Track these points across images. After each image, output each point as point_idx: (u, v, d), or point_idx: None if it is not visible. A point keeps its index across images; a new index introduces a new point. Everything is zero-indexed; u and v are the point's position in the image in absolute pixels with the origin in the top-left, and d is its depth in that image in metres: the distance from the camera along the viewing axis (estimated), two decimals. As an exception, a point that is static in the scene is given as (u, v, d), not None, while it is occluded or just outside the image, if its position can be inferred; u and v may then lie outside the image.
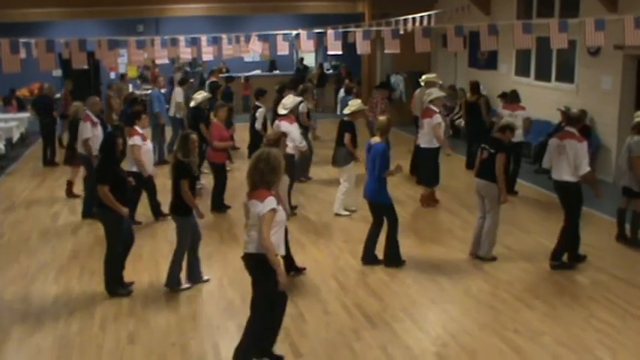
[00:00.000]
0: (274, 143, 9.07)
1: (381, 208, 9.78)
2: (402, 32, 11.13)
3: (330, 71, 27.18)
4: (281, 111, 12.46)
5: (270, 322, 6.98)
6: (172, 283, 9.15)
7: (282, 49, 10.81)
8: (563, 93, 16.03)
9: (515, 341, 7.56)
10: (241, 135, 18.11)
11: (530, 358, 7.21)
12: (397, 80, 22.11)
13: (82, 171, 13.18)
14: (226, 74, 25.21)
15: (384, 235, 9.86)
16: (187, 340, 7.78)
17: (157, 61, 10.90)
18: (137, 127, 11.65)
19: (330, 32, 10.54)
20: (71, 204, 13.55)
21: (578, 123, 9.79)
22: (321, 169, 15.41)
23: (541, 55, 17.01)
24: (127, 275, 9.27)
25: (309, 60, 28.54)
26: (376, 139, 9.88)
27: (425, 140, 12.81)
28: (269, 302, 6.84)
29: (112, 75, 25.00)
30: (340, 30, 10.97)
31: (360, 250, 10.05)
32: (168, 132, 17.27)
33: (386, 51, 10.55)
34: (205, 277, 9.44)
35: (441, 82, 16.31)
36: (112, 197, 8.70)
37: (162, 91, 17.79)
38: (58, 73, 24.76)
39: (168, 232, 11.45)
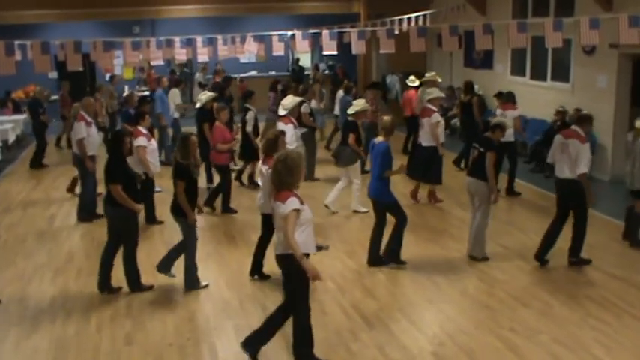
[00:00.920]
0: (273, 142, 9.08)
1: (385, 207, 9.78)
2: (397, 32, 11.16)
3: (327, 71, 27.17)
4: (280, 111, 12.46)
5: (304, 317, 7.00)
6: (190, 284, 9.18)
7: (278, 49, 10.82)
8: (558, 92, 16.05)
9: (511, 340, 7.57)
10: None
11: (526, 356, 7.22)
12: (393, 80, 22.13)
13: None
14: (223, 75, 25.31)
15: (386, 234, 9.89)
16: (184, 340, 7.77)
17: (153, 63, 10.92)
18: (141, 128, 11.67)
19: (325, 32, 10.54)
20: (68, 206, 13.54)
21: (585, 123, 9.78)
22: (317, 169, 15.40)
23: (536, 55, 17.03)
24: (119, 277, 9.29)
25: (305, 61, 28.53)
26: (380, 139, 9.87)
27: (426, 139, 12.91)
28: (303, 296, 6.90)
29: (107, 76, 24.99)
30: (335, 30, 10.97)
31: (356, 250, 10.06)
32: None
33: (381, 51, 10.56)
34: (204, 283, 9.35)
35: (440, 79, 16.40)
36: (125, 195, 8.78)
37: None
38: (53, 75, 24.78)
39: (164, 233, 11.48)
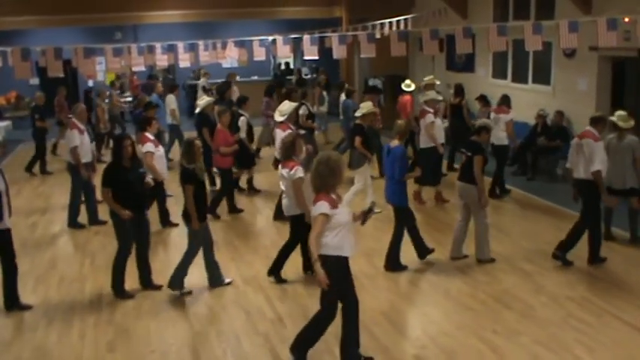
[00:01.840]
0: (291, 145, 9.22)
1: (400, 211, 9.85)
2: (378, 36, 11.20)
3: (309, 76, 27.20)
4: (278, 118, 12.41)
5: (347, 325, 7.07)
6: (173, 284, 9.21)
7: (259, 54, 10.84)
8: (539, 95, 16.14)
9: (493, 341, 7.61)
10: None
11: (508, 358, 7.26)
12: (375, 84, 22.16)
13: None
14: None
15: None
16: (167, 347, 7.76)
17: (134, 69, 10.89)
18: (147, 134, 11.66)
19: (306, 37, 10.57)
20: (49, 214, 13.49)
21: (599, 124, 9.89)
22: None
23: (518, 58, 17.12)
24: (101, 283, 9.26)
25: (289, 65, 28.57)
26: (395, 143, 9.90)
27: (423, 141, 13.15)
28: (333, 304, 6.96)
29: (90, 83, 24.87)
30: (316, 35, 11.00)
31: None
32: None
33: (362, 55, 10.60)
34: (227, 280, 9.51)
35: (438, 82, 16.49)
36: (112, 200, 8.83)
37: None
38: (35, 81, 24.66)
39: (167, 239, 11.44)
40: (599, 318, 8.15)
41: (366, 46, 10.48)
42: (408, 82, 16.98)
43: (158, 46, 10.76)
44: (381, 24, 15.62)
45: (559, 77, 15.64)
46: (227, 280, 9.52)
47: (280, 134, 11.91)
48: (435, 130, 12.95)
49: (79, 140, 12.07)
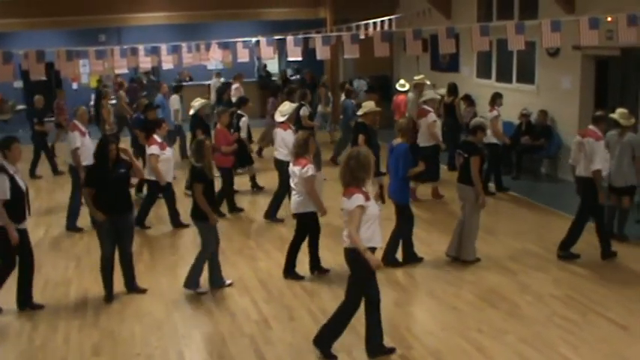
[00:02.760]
0: (304, 143, 9.39)
1: (402, 209, 9.89)
2: (362, 37, 11.19)
3: (294, 77, 27.19)
4: (278, 118, 12.46)
5: (372, 317, 7.28)
6: (190, 284, 9.28)
7: (243, 56, 10.81)
8: (524, 94, 16.18)
9: (478, 341, 7.63)
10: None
11: (493, 357, 7.29)
12: (360, 85, 22.20)
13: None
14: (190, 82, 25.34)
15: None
16: (152, 350, 7.74)
17: (117, 71, 10.82)
18: (156, 136, 11.81)
19: (290, 38, 10.55)
20: (32, 219, 13.37)
21: (600, 122, 10.01)
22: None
23: (502, 57, 17.15)
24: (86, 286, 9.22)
25: (273, 67, 28.54)
26: (398, 140, 9.97)
27: (424, 139, 13.44)
28: (362, 291, 7.15)
29: (75, 85, 24.80)
30: (300, 36, 10.99)
31: (325, 257, 10.01)
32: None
33: (345, 56, 10.59)
34: (228, 282, 9.54)
35: (428, 82, 16.59)
36: (90, 201, 8.88)
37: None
38: (18, 84, 24.55)
39: (152, 241, 11.43)
40: (583, 316, 8.20)
41: (350, 47, 10.47)
42: (402, 81, 17.11)
43: (141, 48, 10.70)
44: (365, 25, 15.63)
45: (543, 76, 15.68)
46: (228, 282, 9.53)
47: (281, 134, 12.22)
48: (436, 128, 13.39)
49: (80, 142, 12.04)
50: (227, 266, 10.13)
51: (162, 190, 12.01)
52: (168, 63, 10.77)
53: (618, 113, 10.52)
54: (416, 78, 16.54)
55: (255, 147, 16.60)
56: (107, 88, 21.35)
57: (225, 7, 22.63)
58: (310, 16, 23.41)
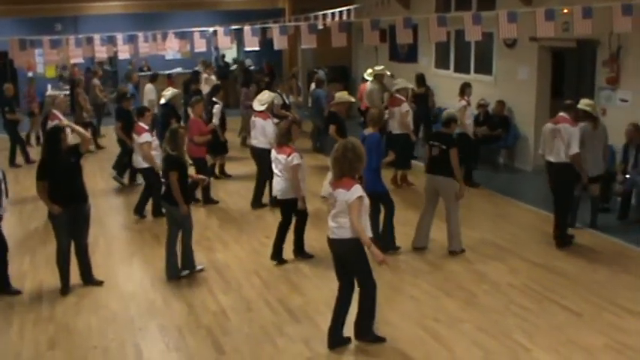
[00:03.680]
0: (287, 132, 9.63)
1: (378, 197, 9.83)
2: (320, 27, 11.18)
3: (252, 67, 27.08)
4: (257, 107, 12.52)
5: (365, 302, 7.32)
6: (186, 266, 9.49)
7: (200, 46, 10.73)
8: (482, 84, 16.28)
9: (435, 329, 7.68)
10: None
11: (450, 345, 7.33)
12: (319, 75, 22.17)
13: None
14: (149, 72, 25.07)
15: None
16: (109, 342, 7.66)
17: (72, 61, 10.69)
18: (142, 124, 11.77)
19: (247, 28, 10.50)
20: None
21: (571, 109, 10.19)
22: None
23: (460, 48, 17.27)
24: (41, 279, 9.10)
25: (231, 57, 28.43)
26: (369, 130, 10.01)
27: (396, 127, 13.54)
28: (369, 273, 7.23)
29: (30, 74, 24.41)
30: (257, 26, 10.94)
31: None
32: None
33: (303, 46, 10.60)
34: (199, 267, 9.63)
35: (389, 72, 16.68)
36: (44, 194, 8.74)
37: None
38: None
39: (108, 232, 11.32)
40: (539, 304, 8.29)
41: (307, 37, 10.46)
42: (370, 71, 17.16)
43: (97, 37, 10.57)
44: (324, 15, 15.61)
45: (500, 67, 15.82)
46: (199, 267, 9.61)
47: (260, 122, 12.31)
48: (409, 118, 13.52)
49: None
50: (185, 257, 10.08)
51: (158, 176, 11.76)
52: (124, 52, 10.66)
53: (586, 104, 10.63)
54: (376, 68, 16.64)
55: (230, 136, 16.52)
56: (81, 76, 21.16)
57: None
58: (269, 5, 23.40)
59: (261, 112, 12.43)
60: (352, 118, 19.14)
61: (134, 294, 8.98)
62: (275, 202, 10.85)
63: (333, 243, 7.17)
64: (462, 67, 17.43)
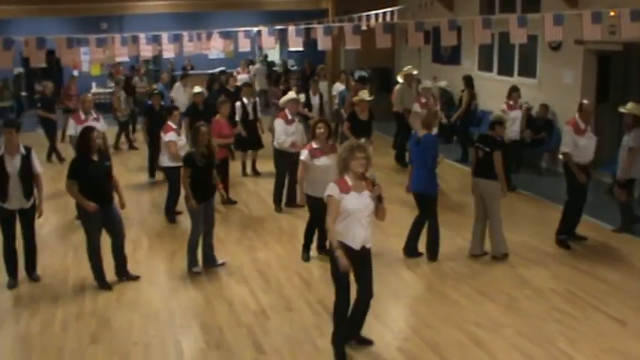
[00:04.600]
0: (310, 130, 10.00)
1: (430, 200, 9.83)
2: (364, 28, 11.15)
3: (295, 67, 27.18)
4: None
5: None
6: (190, 265, 9.65)
7: (244, 45, 10.77)
8: (525, 87, 16.09)
9: (476, 334, 7.62)
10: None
11: (491, 350, 7.27)
12: (363, 75, 22.16)
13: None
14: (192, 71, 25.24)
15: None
16: (150, 339, 7.73)
17: (118, 59, 10.79)
18: (170, 123, 11.84)
19: (291, 28, 10.52)
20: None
21: (578, 110, 10.39)
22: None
23: (503, 50, 17.13)
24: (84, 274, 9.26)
25: (274, 56, 28.51)
26: (423, 131, 9.94)
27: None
28: (338, 288, 7.04)
29: (75, 72, 24.74)
30: (301, 26, 10.95)
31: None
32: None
33: (347, 47, 10.54)
34: (220, 261, 9.80)
35: (415, 72, 16.63)
36: (77, 192, 8.83)
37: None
38: (19, 70, 24.52)
39: (130, 230, 11.42)
40: (582, 311, 8.18)
41: (352, 38, 10.42)
42: (404, 70, 17.11)
43: (142, 36, 10.66)
44: (367, 16, 15.59)
45: (545, 70, 15.65)
46: (220, 262, 9.79)
47: (278, 122, 12.26)
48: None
49: (74, 129, 12.06)
50: (226, 256, 10.14)
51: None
52: (169, 51, 10.73)
53: (634, 107, 10.52)
54: (405, 69, 16.59)
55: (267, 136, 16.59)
56: (122, 75, 21.39)
57: (227, -3, 22.66)
58: (312, 6, 23.42)
59: (281, 110, 12.48)
60: (386, 120, 18.92)
61: (176, 291, 9.05)
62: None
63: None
64: (505, 69, 17.28)
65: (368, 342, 7.39)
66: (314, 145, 9.65)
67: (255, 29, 11.04)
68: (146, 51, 10.72)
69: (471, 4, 18.18)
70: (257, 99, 15.26)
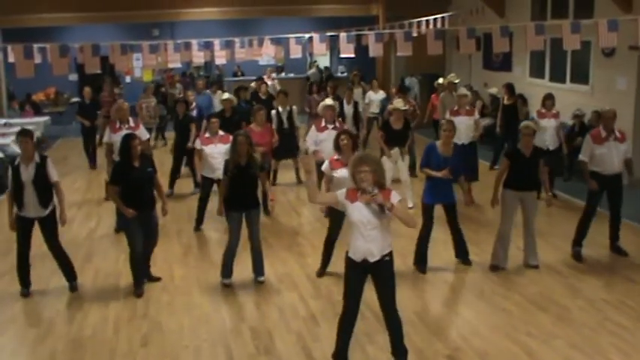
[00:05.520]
0: (334, 141, 9.56)
1: (453, 207, 9.91)
2: (414, 35, 11.15)
3: (345, 74, 27.22)
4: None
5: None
6: (223, 274, 9.53)
7: (295, 52, 10.84)
8: (578, 94, 15.95)
9: (527, 344, 7.53)
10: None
11: (542, 361, 7.20)
12: (412, 82, 22.08)
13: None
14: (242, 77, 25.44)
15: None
16: (200, 342, 7.80)
17: (170, 65, 10.96)
18: (205, 131, 11.87)
19: (343, 35, 10.56)
20: (84, 210, 13.59)
21: (598, 119, 10.34)
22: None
23: (555, 57, 16.94)
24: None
25: (324, 63, 28.61)
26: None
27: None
28: (343, 295, 7.14)
29: (128, 79, 25.14)
30: (353, 33, 10.99)
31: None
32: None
33: (398, 54, 10.57)
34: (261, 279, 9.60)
35: (457, 80, 16.44)
36: (117, 198, 8.97)
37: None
38: (74, 77, 24.95)
39: (182, 235, 11.54)
40: (635, 322, 8.03)
41: (403, 45, 10.44)
42: (441, 80, 16.98)
43: (194, 42, 10.81)
44: (418, 22, 15.59)
45: (597, 76, 15.44)
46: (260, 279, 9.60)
47: (312, 128, 12.22)
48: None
49: (108, 138, 12.03)
50: (276, 262, 10.19)
51: (210, 184, 11.83)
52: (221, 58, 10.88)
53: None
54: (448, 77, 16.49)
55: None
56: (151, 83, 21.64)
57: (278, 3, 22.75)
58: (362, 13, 23.41)
59: (318, 117, 12.39)
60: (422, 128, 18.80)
61: (226, 296, 9.11)
62: None
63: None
64: (557, 76, 17.08)
65: None
66: (336, 156, 9.34)
67: (307, 35, 11.11)
68: (198, 57, 10.88)
69: (522, 9, 18.03)
70: (293, 107, 14.99)
